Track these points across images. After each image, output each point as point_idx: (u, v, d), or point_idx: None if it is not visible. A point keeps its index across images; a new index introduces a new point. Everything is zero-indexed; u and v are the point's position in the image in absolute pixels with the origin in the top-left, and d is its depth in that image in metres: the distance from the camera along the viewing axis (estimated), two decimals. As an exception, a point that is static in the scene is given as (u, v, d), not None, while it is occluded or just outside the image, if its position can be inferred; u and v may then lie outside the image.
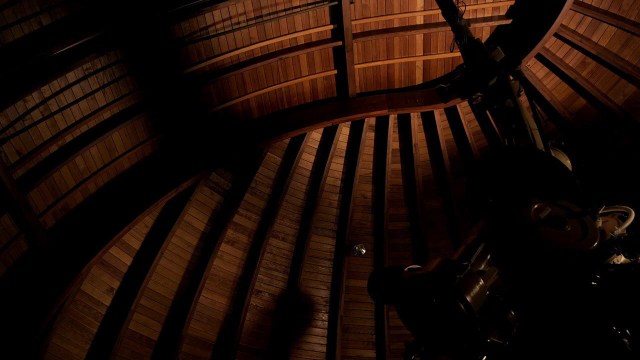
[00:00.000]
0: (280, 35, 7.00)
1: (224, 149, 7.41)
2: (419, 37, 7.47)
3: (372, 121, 8.18)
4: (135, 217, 6.68)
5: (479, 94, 3.62)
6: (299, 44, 7.24)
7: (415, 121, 8.02)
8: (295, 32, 7.05)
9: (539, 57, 7.34)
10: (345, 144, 8.30)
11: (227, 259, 7.64)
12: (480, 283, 2.16)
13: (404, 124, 8.13)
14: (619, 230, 2.48)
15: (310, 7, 6.84)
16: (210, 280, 7.44)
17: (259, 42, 6.94)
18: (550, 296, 2.18)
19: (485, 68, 3.41)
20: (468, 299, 2.05)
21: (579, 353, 1.99)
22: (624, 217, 2.61)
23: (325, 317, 7.94)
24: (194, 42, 6.52)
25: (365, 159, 8.29)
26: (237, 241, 7.74)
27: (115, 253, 6.74)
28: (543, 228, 2.29)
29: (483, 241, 2.46)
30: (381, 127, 8.18)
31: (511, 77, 3.49)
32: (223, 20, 6.54)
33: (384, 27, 7.37)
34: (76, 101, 5.93)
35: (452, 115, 8.01)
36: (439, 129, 7.94)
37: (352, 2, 6.87)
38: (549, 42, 7.15)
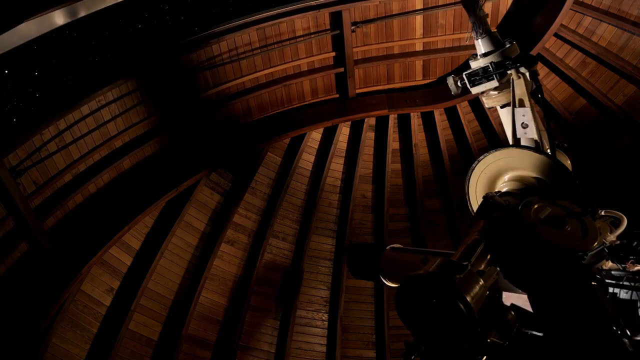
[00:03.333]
0: (284, 63, 7.18)
1: (224, 149, 7.42)
2: (418, 63, 7.62)
3: (372, 121, 8.18)
4: (135, 217, 6.68)
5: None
6: (302, 70, 7.42)
7: (415, 121, 8.02)
8: (299, 59, 7.26)
9: (539, 57, 7.32)
10: (345, 144, 8.30)
11: (227, 259, 7.64)
12: (480, 283, 2.16)
13: (404, 124, 8.13)
14: (610, 237, 2.46)
15: (312, 36, 7.05)
16: (210, 280, 7.44)
17: (264, 69, 7.13)
18: (550, 296, 2.18)
19: (499, 64, 3.28)
20: (468, 299, 2.05)
21: (579, 353, 1.99)
22: (616, 224, 2.57)
23: (325, 317, 7.94)
24: (203, 71, 6.72)
25: (365, 159, 8.29)
26: (237, 241, 7.73)
27: (115, 253, 6.74)
28: (543, 228, 2.29)
29: (483, 241, 2.46)
30: (381, 127, 8.18)
31: None
32: (229, 51, 6.75)
33: (385, 54, 7.54)
34: (89, 132, 6.10)
35: (452, 115, 8.01)
36: (439, 129, 7.95)
37: (353, 31, 6.99)
38: (549, 42, 7.15)
